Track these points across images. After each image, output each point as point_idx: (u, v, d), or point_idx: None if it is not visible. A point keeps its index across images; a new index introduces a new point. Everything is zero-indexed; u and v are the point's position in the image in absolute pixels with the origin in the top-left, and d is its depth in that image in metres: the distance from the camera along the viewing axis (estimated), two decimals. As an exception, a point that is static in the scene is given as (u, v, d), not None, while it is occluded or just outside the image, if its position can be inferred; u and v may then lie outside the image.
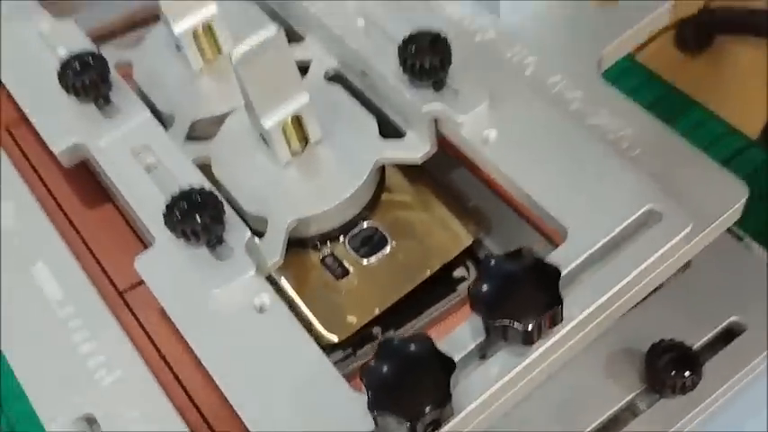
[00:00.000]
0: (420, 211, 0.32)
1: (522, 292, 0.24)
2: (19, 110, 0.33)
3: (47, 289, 0.29)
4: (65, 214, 0.33)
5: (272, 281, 0.30)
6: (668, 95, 0.40)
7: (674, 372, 0.28)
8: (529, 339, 0.24)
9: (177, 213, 0.27)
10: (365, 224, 0.32)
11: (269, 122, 0.30)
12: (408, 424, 0.23)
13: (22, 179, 0.32)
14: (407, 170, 0.33)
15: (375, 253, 0.31)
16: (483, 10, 0.33)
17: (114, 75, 0.32)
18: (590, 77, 0.31)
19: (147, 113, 0.31)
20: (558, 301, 0.24)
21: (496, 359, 0.25)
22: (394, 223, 0.32)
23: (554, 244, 0.28)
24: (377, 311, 0.30)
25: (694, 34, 0.46)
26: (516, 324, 0.24)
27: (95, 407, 0.27)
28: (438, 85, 0.30)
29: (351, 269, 0.31)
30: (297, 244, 0.31)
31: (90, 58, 0.31)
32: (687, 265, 0.31)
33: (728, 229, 0.29)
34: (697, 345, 0.30)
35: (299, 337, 0.27)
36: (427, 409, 0.23)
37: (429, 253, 0.31)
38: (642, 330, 0.30)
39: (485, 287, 0.24)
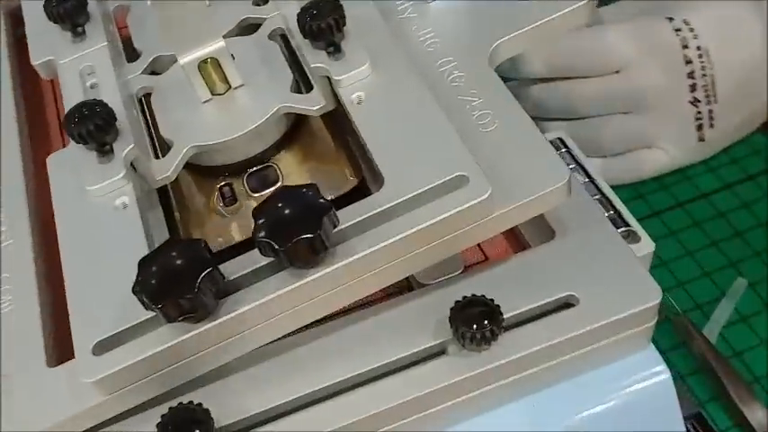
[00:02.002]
0: (321, 157, 0.35)
1: (291, 220, 0.27)
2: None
3: None
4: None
5: (166, 198, 0.35)
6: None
7: (470, 322, 0.29)
8: (290, 261, 0.27)
9: (75, 117, 0.32)
10: (267, 164, 0.35)
11: (184, 59, 0.34)
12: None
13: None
14: (330, 123, 0.36)
15: (265, 189, 0.35)
16: (418, -6, 0.36)
17: (94, 10, 0.38)
18: (478, 63, 0.33)
19: (105, 42, 0.37)
20: (313, 229, 0.26)
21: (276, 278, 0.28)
22: (293, 165, 0.35)
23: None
24: (239, 239, 0.33)
25: None
26: (274, 244, 0.27)
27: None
28: (332, 47, 0.33)
29: (238, 199, 0.35)
30: (208, 173, 0.35)
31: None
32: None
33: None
34: (524, 309, 0.30)
35: (139, 235, 0.31)
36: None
37: None
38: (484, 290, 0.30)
39: (267, 212, 0.27)
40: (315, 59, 0.33)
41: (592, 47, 0.48)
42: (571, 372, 0.30)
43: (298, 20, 0.33)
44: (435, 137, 0.30)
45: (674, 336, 0.45)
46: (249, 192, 0.35)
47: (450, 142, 0.30)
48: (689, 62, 0.48)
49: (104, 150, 0.33)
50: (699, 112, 0.49)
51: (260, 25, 0.38)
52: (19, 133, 0.37)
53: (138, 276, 0.27)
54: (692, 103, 0.49)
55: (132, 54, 0.39)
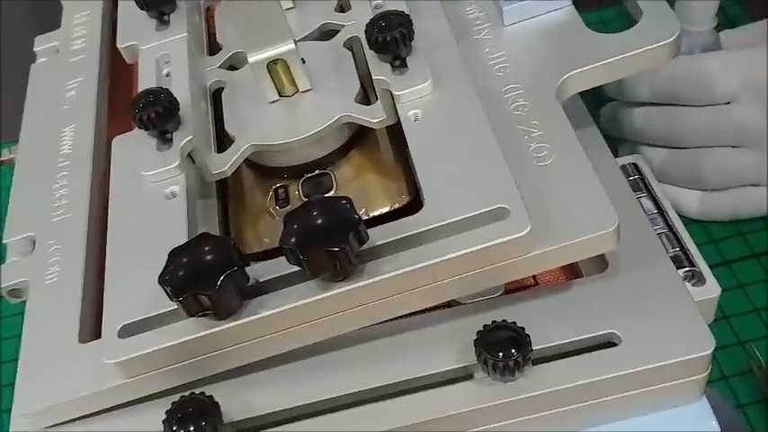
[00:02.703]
0: (378, 168, 0.35)
1: (319, 231, 0.27)
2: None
3: (64, 145, 0.37)
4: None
5: (224, 191, 0.35)
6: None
7: (494, 349, 0.28)
8: (312, 272, 0.27)
9: (140, 103, 0.33)
10: (324, 171, 0.35)
11: (253, 57, 0.34)
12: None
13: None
14: (393, 137, 0.36)
15: (318, 194, 0.35)
16: (495, 15, 0.35)
17: (182, 2, 0.39)
18: (544, 93, 0.32)
19: (185, 33, 0.38)
20: (338, 243, 0.26)
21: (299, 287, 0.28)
22: (349, 174, 0.35)
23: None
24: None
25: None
26: (298, 253, 0.27)
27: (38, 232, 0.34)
28: (398, 61, 0.33)
29: (291, 202, 0.35)
30: (268, 172, 0.36)
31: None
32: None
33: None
34: (560, 342, 0.29)
35: (182, 226, 0.31)
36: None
37: (363, 204, 0.34)
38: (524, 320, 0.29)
39: (297, 219, 0.27)
40: (379, 72, 0.33)
41: (695, 75, 0.45)
42: (608, 416, 0.29)
43: (366, 30, 0.33)
44: (484, 164, 0.30)
45: (755, 389, 0.42)
46: (302, 196, 0.35)
47: (498, 172, 0.29)
48: None
49: (165, 138, 0.34)
50: None
51: (338, 31, 0.38)
52: (96, 113, 0.38)
53: (166, 266, 0.28)
54: None
55: (215, 47, 0.39)
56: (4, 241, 0.34)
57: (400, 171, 0.35)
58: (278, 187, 0.36)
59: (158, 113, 0.33)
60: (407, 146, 0.34)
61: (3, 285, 0.33)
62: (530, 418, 0.28)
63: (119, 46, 0.39)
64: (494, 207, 0.28)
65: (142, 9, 0.38)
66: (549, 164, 0.30)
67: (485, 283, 0.29)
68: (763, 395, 0.42)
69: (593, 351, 0.29)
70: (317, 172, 0.35)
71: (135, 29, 0.39)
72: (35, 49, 0.42)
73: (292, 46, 0.34)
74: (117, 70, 0.41)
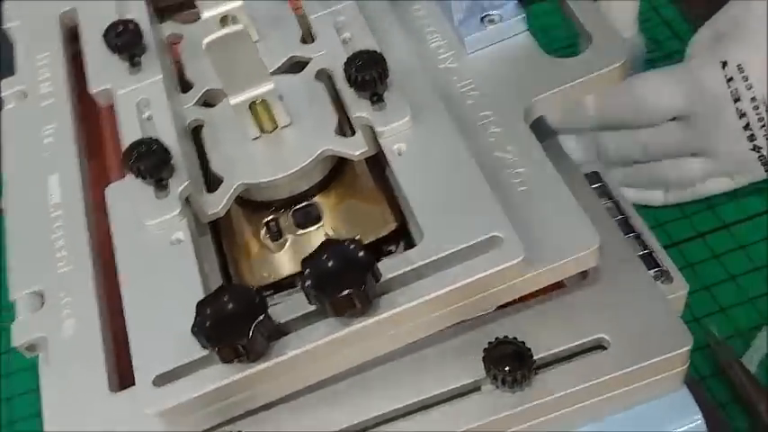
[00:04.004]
0: (362, 197, 0.38)
1: (336, 275, 0.29)
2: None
3: (53, 195, 0.38)
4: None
5: (216, 228, 0.37)
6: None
7: (502, 364, 0.31)
8: (335, 313, 0.30)
9: (134, 153, 0.35)
10: (311, 201, 0.38)
11: (234, 100, 0.36)
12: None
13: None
14: (371, 164, 0.38)
15: (308, 226, 0.37)
16: (456, 43, 0.38)
17: (150, 42, 0.40)
18: (514, 119, 0.35)
19: (160, 75, 0.39)
20: (358, 284, 0.29)
21: (320, 324, 0.30)
22: (335, 204, 0.38)
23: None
24: (286, 274, 0.36)
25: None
26: (321, 295, 0.29)
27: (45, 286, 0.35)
28: (375, 97, 0.35)
29: (284, 234, 0.37)
30: (253, 207, 0.38)
31: (131, 25, 0.39)
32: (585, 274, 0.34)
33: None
34: (554, 351, 0.32)
35: (193, 271, 0.33)
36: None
37: (354, 232, 0.36)
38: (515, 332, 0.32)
39: (314, 264, 0.30)
40: (358, 109, 0.36)
41: (637, 98, 0.48)
42: (603, 411, 0.32)
43: (345, 70, 0.35)
44: (473, 195, 0.32)
45: (712, 363, 0.46)
46: (294, 227, 0.37)
47: (486, 201, 0.32)
48: (743, 115, 0.48)
49: (161, 185, 0.35)
50: (761, 156, 0.49)
51: (306, 63, 0.40)
52: (79, 161, 0.39)
53: (196, 317, 0.30)
54: (753, 150, 0.49)
55: (186, 85, 0.41)
56: (11, 298, 0.35)
57: (382, 197, 0.37)
58: (268, 221, 0.38)
59: (154, 164, 0.35)
60: (386, 173, 0.36)
61: (20, 343, 0.34)
62: (535, 423, 0.32)
63: (92, 91, 0.40)
64: (488, 236, 0.31)
65: (114, 53, 0.40)
66: (528, 188, 0.33)
67: (485, 305, 0.32)
68: (721, 369, 0.46)
69: (584, 355, 0.32)
70: (304, 203, 0.38)
71: (107, 72, 0.40)
72: (2, 95, 0.42)
73: (272, 86, 0.36)
74: (85, 112, 0.42)
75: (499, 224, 0.31)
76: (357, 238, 0.31)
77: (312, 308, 0.31)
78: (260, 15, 0.41)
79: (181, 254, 0.34)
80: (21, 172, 0.39)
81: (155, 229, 0.34)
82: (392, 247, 0.37)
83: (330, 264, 0.30)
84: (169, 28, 0.43)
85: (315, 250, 0.31)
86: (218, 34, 0.34)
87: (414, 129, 0.35)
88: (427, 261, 0.31)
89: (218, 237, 0.38)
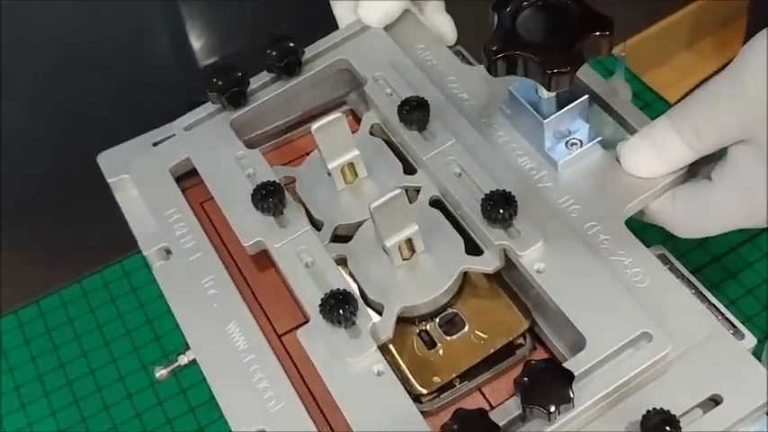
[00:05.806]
0: (490, 301, 0.46)
1: (546, 387, 0.38)
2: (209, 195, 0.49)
3: (237, 341, 0.44)
4: (247, 284, 0.48)
5: (384, 348, 0.45)
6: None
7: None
8: (548, 418, 0.38)
9: (328, 306, 0.42)
10: (450, 309, 0.46)
11: (389, 243, 0.44)
12: None
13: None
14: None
15: (455, 332, 0.45)
16: (546, 163, 0.47)
17: (288, 197, 0.47)
18: (616, 225, 0.44)
19: (308, 226, 0.46)
20: (568, 399, 0.38)
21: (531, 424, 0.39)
22: (471, 310, 0.46)
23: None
24: (454, 375, 0.44)
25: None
26: (539, 408, 0.38)
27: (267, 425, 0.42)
28: (506, 225, 0.44)
29: (438, 342, 0.45)
30: (402, 320, 0.45)
31: (273, 187, 0.46)
32: None
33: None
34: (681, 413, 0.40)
35: (401, 394, 0.41)
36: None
37: (495, 333, 0.45)
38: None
39: (524, 380, 0.38)
40: (496, 237, 0.44)
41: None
42: None
43: (482, 208, 0.43)
44: (614, 298, 0.41)
45: None
46: (443, 335, 0.45)
47: (627, 303, 0.41)
48: None
49: (352, 324, 0.42)
50: None
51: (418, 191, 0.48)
52: (248, 305, 0.46)
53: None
54: None
55: (316, 223, 0.48)
56: (240, 440, 0.42)
57: (507, 298, 0.46)
58: (420, 332, 0.46)
59: (351, 312, 0.42)
60: (510, 280, 0.45)
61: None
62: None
63: (245, 243, 0.46)
64: (638, 333, 0.40)
65: (264, 214, 0.46)
66: (646, 285, 0.43)
67: (635, 389, 0.41)
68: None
69: (709, 411, 0.41)
70: (447, 311, 0.46)
71: (255, 227, 0.47)
72: (146, 253, 0.48)
73: (416, 228, 0.44)
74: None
75: (644, 321, 0.41)
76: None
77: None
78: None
79: (386, 382, 0.41)
80: (198, 325, 0.45)
81: (357, 364, 0.42)
82: (520, 340, 0.46)
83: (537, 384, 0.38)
84: (280, 172, 0.50)
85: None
86: (383, 200, 0.42)
87: (546, 247, 0.44)
88: (596, 361, 0.40)
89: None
